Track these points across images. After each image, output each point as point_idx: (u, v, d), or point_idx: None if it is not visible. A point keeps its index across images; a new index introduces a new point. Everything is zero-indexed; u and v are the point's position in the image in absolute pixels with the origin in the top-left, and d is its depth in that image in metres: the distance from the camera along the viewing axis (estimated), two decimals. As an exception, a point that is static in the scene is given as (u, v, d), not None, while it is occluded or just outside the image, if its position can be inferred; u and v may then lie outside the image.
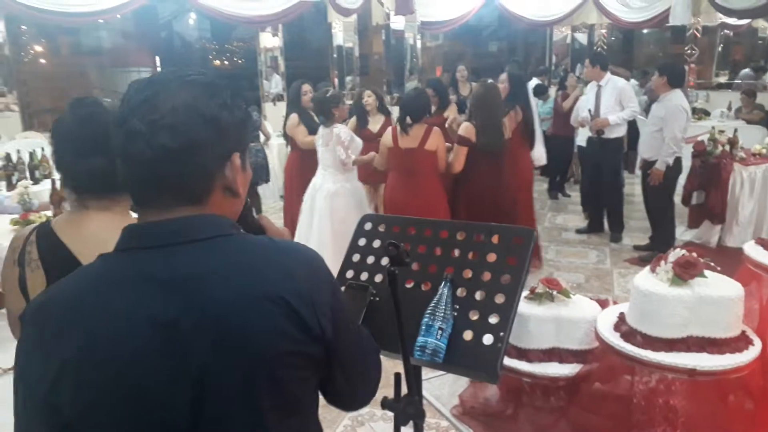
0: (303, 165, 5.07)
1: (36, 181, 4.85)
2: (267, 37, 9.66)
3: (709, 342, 2.42)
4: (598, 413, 2.61)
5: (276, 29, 9.42)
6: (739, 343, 2.46)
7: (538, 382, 2.76)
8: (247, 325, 0.86)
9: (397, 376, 1.41)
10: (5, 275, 1.44)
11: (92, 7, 6.09)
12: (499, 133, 4.27)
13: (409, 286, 1.59)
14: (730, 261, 3.21)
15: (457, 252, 1.60)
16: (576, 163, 7.44)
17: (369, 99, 5.41)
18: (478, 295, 1.52)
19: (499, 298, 1.49)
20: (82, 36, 11.06)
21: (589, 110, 5.65)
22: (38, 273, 1.38)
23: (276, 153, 7.23)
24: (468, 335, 1.46)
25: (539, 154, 5.31)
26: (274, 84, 9.85)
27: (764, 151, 5.69)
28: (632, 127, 6.58)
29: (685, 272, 2.45)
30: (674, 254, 2.52)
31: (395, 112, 4.97)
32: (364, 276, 1.65)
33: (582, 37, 12.16)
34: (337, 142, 4.27)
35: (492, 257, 1.55)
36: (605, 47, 11.17)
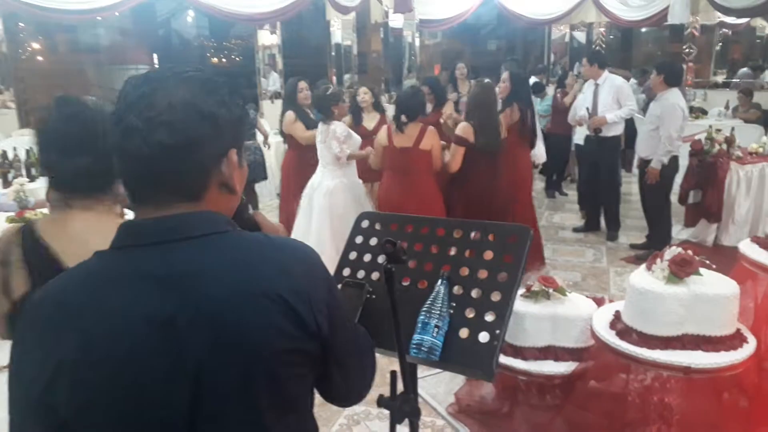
0: (300, 163, 5.07)
1: (32, 179, 4.83)
2: (265, 35, 9.65)
3: (704, 340, 2.43)
4: (594, 411, 2.61)
5: (274, 27, 9.41)
6: (734, 341, 2.47)
7: (533, 380, 2.76)
8: (243, 322, 0.86)
9: (393, 373, 1.41)
10: None
11: (90, 5, 6.07)
12: (497, 132, 4.27)
13: (405, 283, 1.60)
14: (726, 260, 3.22)
15: (453, 250, 1.61)
16: (573, 161, 7.45)
17: (365, 96, 5.41)
18: (474, 293, 1.52)
19: (495, 296, 1.49)
20: (79, 33, 11.02)
21: (587, 108, 5.66)
22: (21, 273, 1.37)
23: (273, 151, 7.22)
24: (464, 333, 1.47)
25: (539, 152, 5.31)
26: (272, 82, 9.84)
27: (761, 150, 5.70)
28: (629, 125, 6.59)
29: (680, 270, 2.46)
30: (670, 252, 2.53)
31: (391, 110, 4.97)
32: (360, 274, 1.66)
33: (581, 36, 12.19)
34: (332, 137, 4.28)
35: (488, 255, 1.56)
36: (604, 46, 11.18)
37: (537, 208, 6.71)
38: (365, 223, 1.76)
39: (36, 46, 9.80)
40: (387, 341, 1.37)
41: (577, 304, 2.86)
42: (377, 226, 1.74)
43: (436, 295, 1.51)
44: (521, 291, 2.80)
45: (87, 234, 1.36)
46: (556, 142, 6.97)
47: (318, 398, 1.03)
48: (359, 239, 1.73)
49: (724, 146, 5.60)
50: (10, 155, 4.99)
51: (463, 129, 4.19)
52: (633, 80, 9.00)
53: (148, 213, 0.91)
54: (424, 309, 1.49)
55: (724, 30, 11.93)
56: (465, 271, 1.56)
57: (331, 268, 1.61)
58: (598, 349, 2.65)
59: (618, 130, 5.70)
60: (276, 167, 6.88)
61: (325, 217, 4.32)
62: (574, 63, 11.20)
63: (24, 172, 4.92)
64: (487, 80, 4.55)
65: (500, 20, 14.02)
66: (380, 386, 1.34)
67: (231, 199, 0.98)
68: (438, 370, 3.04)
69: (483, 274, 1.54)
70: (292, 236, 4.26)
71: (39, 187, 4.56)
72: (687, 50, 9.82)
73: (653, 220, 5.43)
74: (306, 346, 0.91)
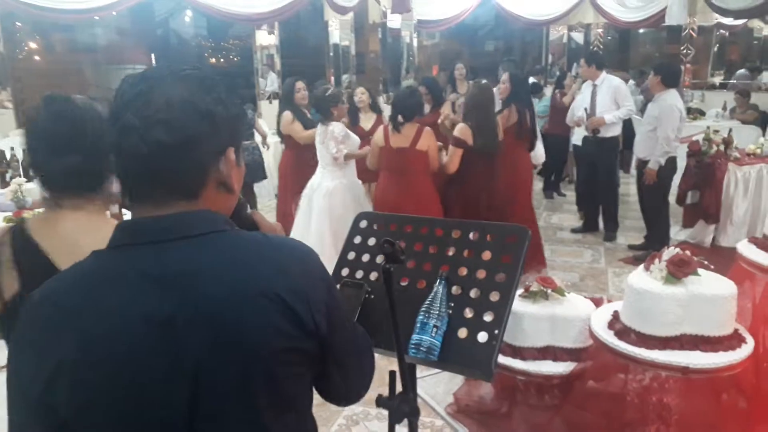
0: (297, 163, 5.07)
1: (30, 179, 4.81)
2: (263, 35, 9.64)
3: (702, 340, 2.43)
4: (592, 411, 2.61)
5: (272, 27, 9.41)
6: (732, 341, 2.47)
7: (532, 380, 2.76)
8: (241, 321, 0.86)
9: (392, 373, 1.41)
10: None
11: (88, 4, 6.06)
12: (494, 134, 4.28)
13: (404, 284, 1.60)
14: (724, 261, 3.22)
15: (452, 250, 1.61)
16: (571, 162, 7.45)
17: (362, 96, 5.41)
18: (472, 293, 1.52)
19: (494, 296, 1.49)
20: (77, 33, 11.00)
21: (585, 109, 5.66)
22: (11, 273, 1.36)
23: (272, 151, 7.22)
24: (463, 333, 1.47)
25: (539, 153, 5.31)
26: (270, 82, 9.83)
27: (758, 151, 5.71)
28: (627, 126, 6.60)
29: (678, 270, 2.46)
30: (668, 253, 2.54)
31: (389, 110, 4.98)
32: (359, 274, 1.66)
33: (578, 37, 12.20)
34: (330, 137, 4.29)
35: (487, 255, 1.56)
36: (601, 47, 11.18)
37: (535, 208, 6.72)
38: (363, 224, 1.76)
39: (33, 45, 9.78)
40: (386, 341, 1.37)
41: (575, 304, 2.87)
42: (375, 227, 1.74)
43: (435, 295, 1.51)
44: (520, 291, 2.80)
45: (78, 233, 1.35)
46: (554, 142, 6.97)
47: (317, 398, 1.03)
48: (357, 239, 1.73)
49: (722, 147, 5.62)
50: (8, 155, 4.98)
51: (461, 130, 4.19)
52: (631, 82, 9.01)
53: (145, 212, 0.91)
54: (423, 309, 1.49)
55: (721, 31, 11.94)
56: (463, 271, 1.56)
57: (331, 269, 1.61)
58: (596, 349, 2.65)
59: (616, 130, 5.71)
60: (274, 167, 6.87)
61: (324, 217, 4.33)
62: (571, 64, 11.21)
63: (21, 172, 4.90)
64: (484, 81, 4.55)
65: (498, 21, 14.02)
66: (379, 387, 1.34)
67: (229, 198, 0.98)
68: (437, 370, 3.04)
69: (481, 274, 1.54)
70: (291, 236, 4.27)
71: (36, 186, 4.55)
72: (684, 51, 9.84)
73: (651, 220, 5.44)
74: (304, 346, 0.91)
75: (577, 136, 6.30)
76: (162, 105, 0.87)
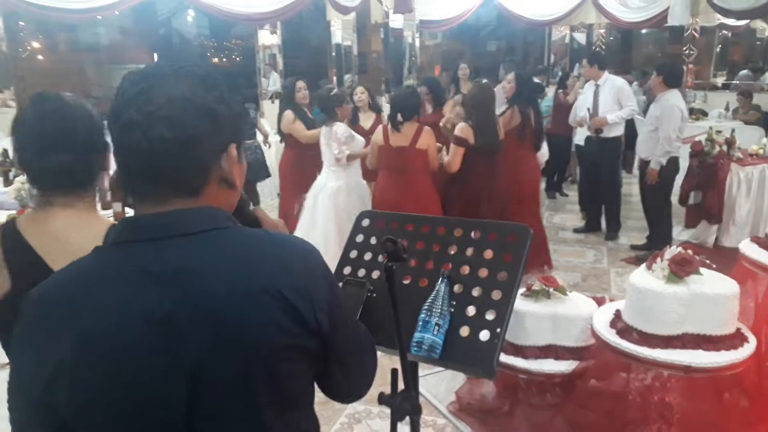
0: (297, 162, 5.08)
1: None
2: (265, 35, 9.64)
3: (704, 339, 2.43)
4: (594, 410, 2.61)
5: (274, 27, 9.41)
6: (734, 340, 2.47)
7: (534, 378, 2.76)
8: (242, 319, 0.85)
9: (394, 371, 1.41)
10: None
11: (90, 4, 6.07)
12: (495, 133, 4.28)
13: (406, 282, 1.60)
14: (727, 261, 3.22)
15: (454, 248, 1.61)
16: (574, 162, 7.45)
17: (362, 96, 5.42)
18: (475, 292, 1.52)
19: (496, 295, 1.49)
20: (80, 32, 11.03)
21: (588, 109, 5.66)
22: (2, 273, 1.35)
23: (274, 150, 7.22)
24: (465, 331, 1.47)
25: (542, 150, 5.30)
26: (273, 82, 9.83)
27: (761, 151, 5.70)
28: (630, 126, 6.60)
29: (680, 269, 2.46)
30: (670, 252, 2.54)
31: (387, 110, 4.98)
32: (361, 272, 1.66)
33: (580, 37, 12.18)
34: (333, 139, 4.31)
35: (489, 254, 1.56)
36: (604, 47, 11.18)
37: (537, 208, 6.73)
38: (366, 222, 1.76)
39: (36, 45, 9.81)
40: (388, 339, 1.37)
41: (577, 303, 2.87)
42: (378, 225, 1.75)
43: (437, 293, 1.51)
44: (522, 290, 2.80)
45: (68, 231, 1.35)
46: (556, 142, 6.95)
47: (319, 396, 1.03)
48: (360, 238, 1.73)
49: (725, 148, 5.61)
50: (11, 154, 4.99)
51: (462, 129, 4.19)
52: (635, 84, 9.01)
53: (147, 209, 0.90)
54: (425, 307, 1.49)
55: (724, 32, 11.93)
56: (466, 270, 1.56)
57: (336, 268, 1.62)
58: (598, 348, 2.65)
59: (619, 130, 5.71)
60: (277, 166, 6.88)
61: (330, 217, 4.35)
62: (574, 64, 11.19)
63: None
64: (485, 81, 4.55)
65: (500, 21, 14.02)
66: (381, 385, 1.34)
67: (231, 195, 0.98)
68: (439, 369, 3.05)
69: (483, 272, 1.54)
70: (295, 235, 4.28)
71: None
72: (687, 52, 9.82)
73: (654, 221, 5.44)
74: (306, 343, 0.91)
75: (580, 136, 6.30)
76: (163, 102, 0.87)
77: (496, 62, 10.45)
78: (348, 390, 1.10)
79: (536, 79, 8.35)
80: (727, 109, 8.77)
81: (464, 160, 4.16)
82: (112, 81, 10.28)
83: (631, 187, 7.27)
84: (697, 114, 8.48)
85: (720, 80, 11.70)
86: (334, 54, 9.85)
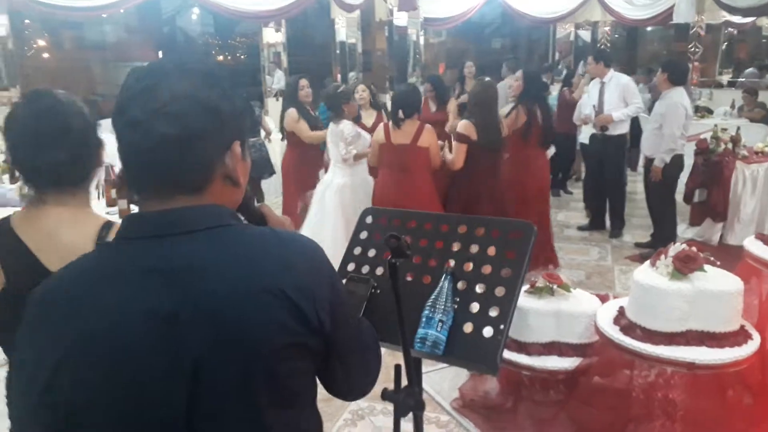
0: (300, 160, 5.10)
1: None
2: (270, 33, 9.65)
3: (708, 336, 2.43)
4: (598, 407, 2.62)
5: (279, 25, 9.42)
6: (738, 337, 2.47)
7: (537, 375, 2.77)
8: (243, 318, 0.85)
9: (398, 367, 1.42)
10: None
11: (96, 2, 6.09)
12: (498, 130, 4.27)
13: (409, 278, 1.60)
14: (732, 258, 3.21)
15: (457, 245, 1.61)
16: (579, 159, 7.43)
17: (363, 94, 5.43)
18: (478, 288, 1.53)
19: (500, 291, 1.50)
20: (85, 30, 11.08)
21: (593, 106, 5.65)
22: None
23: (279, 148, 7.23)
24: (468, 327, 1.47)
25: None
26: (277, 80, 9.84)
27: (766, 149, 5.68)
28: (635, 124, 6.58)
29: (684, 266, 2.46)
30: (674, 248, 2.54)
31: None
32: (365, 269, 1.66)
33: (585, 35, 12.16)
34: (340, 137, 4.32)
35: (492, 251, 1.57)
36: (609, 45, 11.15)
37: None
38: (369, 219, 1.77)
39: (42, 43, 9.85)
40: (391, 335, 1.38)
41: (580, 300, 2.87)
42: (381, 222, 1.75)
43: (441, 290, 1.51)
44: (525, 287, 2.80)
45: (60, 228, 1.35)
46: (561, 140, 6.91)
47: (322, 393, 1.03)
48: (364, 234, 1.74)
49: (730, 145, 5.58)
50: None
51: (465, 126, 4.19)
52: (641, 85, 8.98)
53: (152, 206, 0.90)
54: (429, 304, 1.49)
55: (729, 29, 11.89)
56: (469, 267, 1.57)
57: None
58: (602, 344, 2.66)
59: (624, 128, 5.69)
60: (279, 164, 6.89)
61: (339, 214, 4.36)
62: (578, 62, 11.15)
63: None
64: (487, 78, 4.54)
65: (505, 19, 13.98)
66: (385, 381, 1.35)
67: (235, 192, 0.98)
68: (442, 365, 3.06)
69: (487, 269, 1.54)
70: (303, 233, 4.30)
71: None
72: (692, 49, 9.78)
73: (658, 218, 5.43)
74: (307, 342, 0.90)
75: (585, 134, 6.28)
76: (168, 99, 0.87)
77: (500, 60, 10.44)
78: (349, 388, 1.09)
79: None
80: (732, 106, 8.74)
81: (467, 158, 4.16)
82: (118, 79, 10.30)
83: (635, 184, 7.26)
84: (703, 112, 8.45)
85: (725, 78, 11.65)
86: (338, 52, 9.85)
